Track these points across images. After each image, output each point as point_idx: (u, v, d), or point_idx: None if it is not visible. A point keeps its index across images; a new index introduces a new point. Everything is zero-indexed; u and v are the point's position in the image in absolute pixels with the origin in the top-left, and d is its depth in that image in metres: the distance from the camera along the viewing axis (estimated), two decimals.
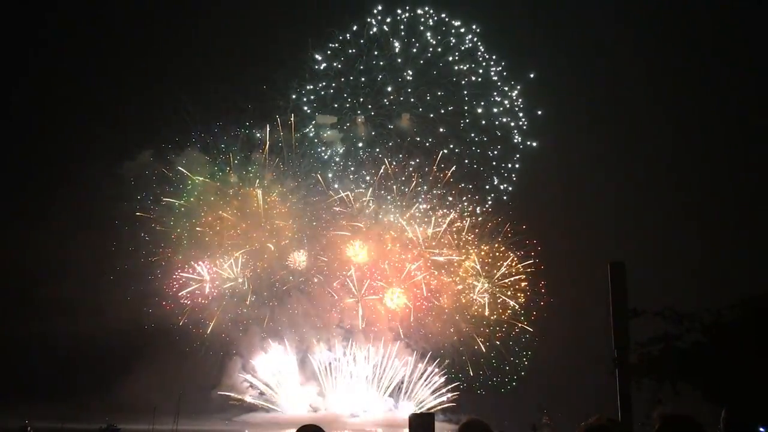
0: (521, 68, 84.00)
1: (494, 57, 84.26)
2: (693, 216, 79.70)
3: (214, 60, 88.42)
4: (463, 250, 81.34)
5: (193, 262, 78.19)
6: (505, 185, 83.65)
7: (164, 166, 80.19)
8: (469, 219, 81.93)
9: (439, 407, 74.60)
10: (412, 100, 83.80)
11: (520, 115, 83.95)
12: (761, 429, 7.40)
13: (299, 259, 79.50)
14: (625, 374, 9.97)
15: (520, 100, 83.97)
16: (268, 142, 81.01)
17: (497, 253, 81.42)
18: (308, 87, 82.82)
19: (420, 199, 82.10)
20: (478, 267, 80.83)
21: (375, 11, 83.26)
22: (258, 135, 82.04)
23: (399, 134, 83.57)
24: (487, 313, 79.81)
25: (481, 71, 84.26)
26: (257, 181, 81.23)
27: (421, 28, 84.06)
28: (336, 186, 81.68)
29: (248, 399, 76.64)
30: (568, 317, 74.72)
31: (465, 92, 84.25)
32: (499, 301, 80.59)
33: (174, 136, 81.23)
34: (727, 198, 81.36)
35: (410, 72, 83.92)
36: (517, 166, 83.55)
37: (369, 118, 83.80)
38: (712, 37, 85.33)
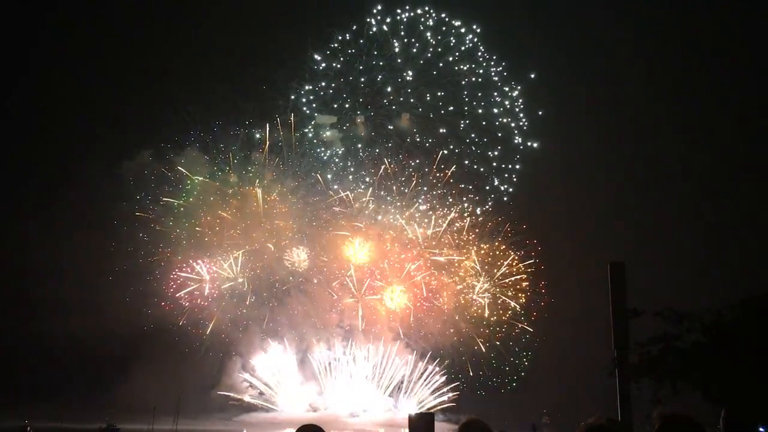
0: (522, 68, 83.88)
1: (494, 57, 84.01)
2: (693, 216, 79.83)
3: (214, 60, 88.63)
4: (464, 250, 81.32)
5: (192, 262, 78.17)
6: (506, 186, 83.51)
7: (164, 166, 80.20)
8: (469, 219, 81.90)
9: (439, 407, 74.61)
10: (411, 100, 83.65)
11: (521, 115, 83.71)
12: (761, 429, 7.37)
13: (300, 257, 79.47)
14: (625, 374, 9.95)
15: (520, 100, 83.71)
16: (267, 142, 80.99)
17: (497, 253, 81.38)
18: (308, 87, 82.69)
19: (420, 199, 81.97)
20: (478, 267, 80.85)
21: (375, 11, 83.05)
22: (258, 135, 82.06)
23: (399, 134, 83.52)
24: (487, 314, 79.79)
25: (481, 71, 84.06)
26: (257, 180, 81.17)
27: (421, 28, 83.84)
28: (336, 186, 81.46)
29: (248, 399, 76.66)
30: (569, 317, 74.83)
31: (465, 92, 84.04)
32: (499, 301, 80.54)
33: (173, 136, 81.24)
34: (728, 198, 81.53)
35: (410, 72, 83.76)
36: (517, 166, 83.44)
37: (369, 118, 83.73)
38: (712, 37, 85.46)
